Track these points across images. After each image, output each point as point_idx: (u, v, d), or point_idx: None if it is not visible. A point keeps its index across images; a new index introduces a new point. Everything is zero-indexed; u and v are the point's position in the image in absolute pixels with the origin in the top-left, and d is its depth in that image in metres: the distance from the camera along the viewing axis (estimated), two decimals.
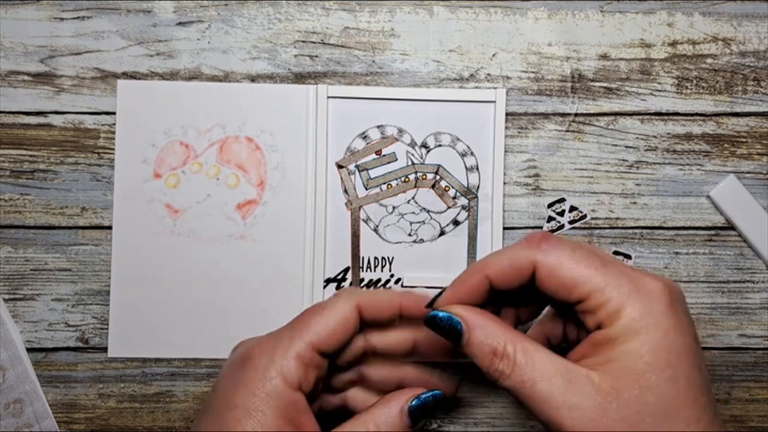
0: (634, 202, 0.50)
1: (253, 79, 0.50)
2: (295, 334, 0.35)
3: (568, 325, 0.38)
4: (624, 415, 0.30)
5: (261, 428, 0.33)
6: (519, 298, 0.38)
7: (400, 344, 0.38)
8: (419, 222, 0.50)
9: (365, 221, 0.50)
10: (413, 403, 0.36)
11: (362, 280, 0.49)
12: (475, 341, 0.33)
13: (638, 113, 0.50)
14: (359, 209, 0.50)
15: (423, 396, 0.36)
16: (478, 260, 0.35)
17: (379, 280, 0.49)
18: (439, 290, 0.37)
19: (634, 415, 0.30)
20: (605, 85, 0.50)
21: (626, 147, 0.50)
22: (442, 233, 0.50)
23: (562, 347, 0.38)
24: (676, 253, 0.50)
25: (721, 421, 0.32)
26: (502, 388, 0.33)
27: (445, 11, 0.50)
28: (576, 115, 0.50)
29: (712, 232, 0.50)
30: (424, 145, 0.50)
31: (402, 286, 0.49)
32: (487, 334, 0.33)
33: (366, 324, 0.37)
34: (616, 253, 0.50)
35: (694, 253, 0.50)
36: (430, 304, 0.36)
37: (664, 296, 0.31)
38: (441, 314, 0.34)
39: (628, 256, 0.50)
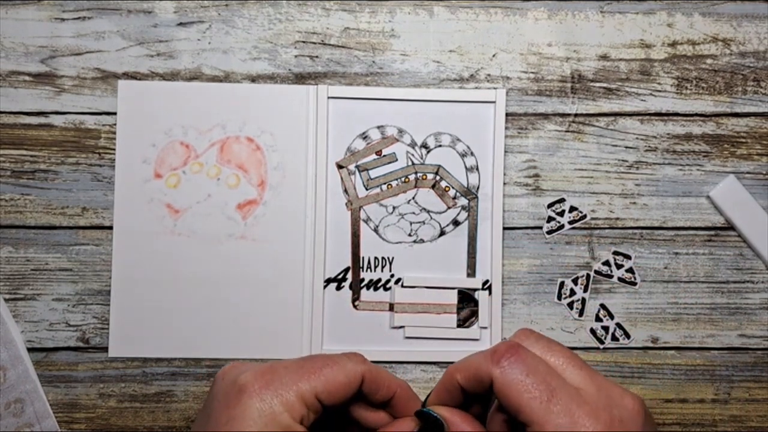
0: (634, 203, 0.50)
1: (254, 79, 0.50)
2: (302, 377, 0.37)
3: None
4: None
5: None
6: None
7: (377, 423, 0.40)
8: (419, 222, 0.50)
9: (365, 221, 0.50)
10: (419, 429, 0.38)
11: (362, 280, 0.49)
12: None
13: (638, 113, 0.50)
14: (359, 209, 0.50)
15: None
16: (453, 364, 0.38)
17: (379, 280, 0.49)
18: (431, 390, 0.41)
19: None
20: (605, 85, 0.50)
21: (626, 147, 0.50)
22: (442, 233, 0.50)
23: None
24: (676, 253, 0.50)
25: None
26: None
27: (445, 12, 0.50)
28: (576, 115, 0.50)
29: (712, 232, 0.50)
30: (424, 146, 0.50)
31: (402, 286, 0.49)
32: None
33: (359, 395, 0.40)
34: (615, 253, 0.50)
35: (694, 254, 0.50)
36: (423, 404, 0.40)
37: None
38: (430, 412, 0.38)
39: (628, 257, 0.50)
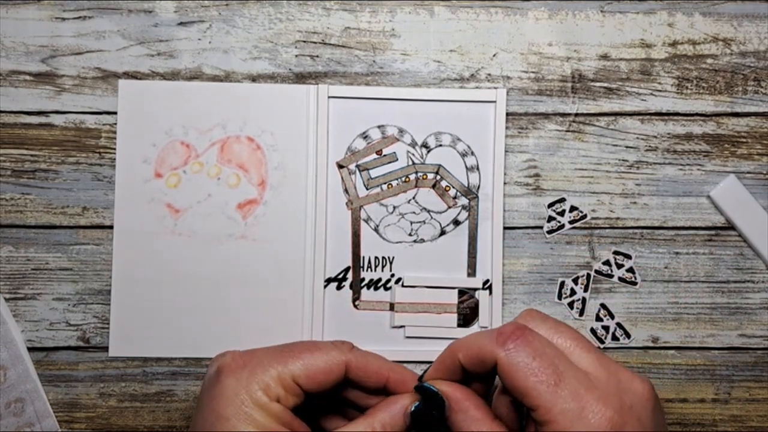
0: (635, 202, 0.50)
1: (254, 79, 0.50)
2: (281, 359, 0.37)
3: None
4: None
5: (258, 429, 0.34)
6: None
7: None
8: (420, 222, 0.50)
9: (366, 221, 0.50)
10: (417, 405, 0.37)
11: (363, 279, 0.49)
12: (455, 421, 0.36)
13: (638, 113, 0.50)
14: (360, 209, 0.50)
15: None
16: (456, 341, 0.37)
17: (379, 279, 0.49)
18: (427, 366, 0.39)
19: None
20: (605, 85, 0.50)
21: (626, 147, 0.50)
22: (442, 233, 0.50)
23: None
24: (676, 253, 0.50)
25: None
26: None
27: (446, 11, 0.50)
28: (576, 115, 0.50)
29: (712, 232, 0.50)
30: (425, 145, 0.50)
31: (402, 285, 0.49)
32: (466, 419, 0.36)
33: (350, 381, 0.39)
34: (616, 253, 0.50)
35: (694, 253, 0.50)
36: (420, 379, 0.39)
37: (608, 427, 0.32)
38: (429, 387, 0.37)
39: (628, 256, 0.50)
